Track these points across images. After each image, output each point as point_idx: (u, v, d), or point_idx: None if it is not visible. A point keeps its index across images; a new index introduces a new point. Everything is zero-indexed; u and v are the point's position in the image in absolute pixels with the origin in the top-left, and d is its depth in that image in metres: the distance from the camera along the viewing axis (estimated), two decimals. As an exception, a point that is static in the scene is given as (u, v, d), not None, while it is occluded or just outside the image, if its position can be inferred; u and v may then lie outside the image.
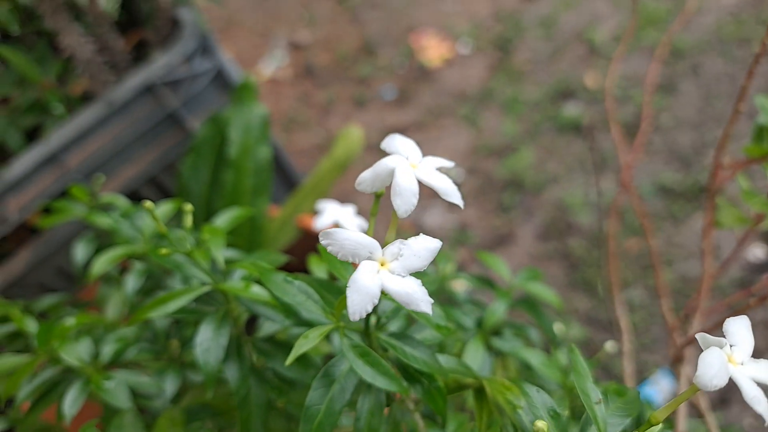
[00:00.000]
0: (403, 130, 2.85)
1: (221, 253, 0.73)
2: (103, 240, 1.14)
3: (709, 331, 0.91)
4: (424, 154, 0.58)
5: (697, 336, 0.48)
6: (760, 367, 0.48)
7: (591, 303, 2.26)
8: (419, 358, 0.59)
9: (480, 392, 0.66)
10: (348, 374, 0.58)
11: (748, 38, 2.85)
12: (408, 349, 0.60)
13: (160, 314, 0.66)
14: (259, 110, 1.44)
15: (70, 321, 0.90)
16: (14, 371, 0.85)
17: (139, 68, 1.45)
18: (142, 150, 1.51)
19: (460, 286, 2.48)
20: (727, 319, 0.49)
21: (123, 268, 1.16)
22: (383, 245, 0.55)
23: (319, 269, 0.90)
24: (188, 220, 0.71)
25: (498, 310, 0.91)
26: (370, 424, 0.60)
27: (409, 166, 0.54)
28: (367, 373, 0.55)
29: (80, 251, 1.10)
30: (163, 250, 0.66)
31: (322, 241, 0.49)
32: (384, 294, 0.51)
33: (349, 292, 0.49)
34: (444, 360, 0.64)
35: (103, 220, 1.05)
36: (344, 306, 0.58)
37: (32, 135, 1.49)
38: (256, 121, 1.42)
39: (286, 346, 0.73)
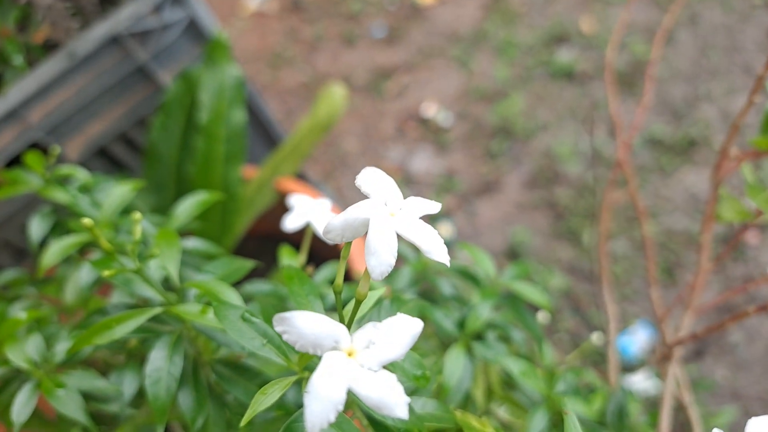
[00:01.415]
0: (393, 71, 2.75)
1: (175, 267, 0.65)
2: (62, 214, 1.05)
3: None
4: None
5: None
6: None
7: (575, 252, 2.23)
8: (392, 412, 0.53)
9: (459, 436, 0.60)
10: (312, 431, 0.51)
11: (749, -11, 2.75)
12: (380, 403, 0.53)
13: (105, 341, 0.59)
14: (233, 71, 1.32)
15: (21, 315, 0.83)
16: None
17: (103, 18, 1.33)
18: (110, 104, 1.40)
19: (445, 230, 2.44)
20: (749, 422, 0.42)
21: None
22: (356, 298, 0.48)
23: (290, 263, 0.82)
24: (137, 231, 0.63)
25: (482, 313, 0.85)
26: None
27: (388, 217, 0.44)
28: (332, 436, 0.49)
29: (35, 228, 1.00)
30: (107, 272, 0.58)
31: (277, 328, 0.40)
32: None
33: (307, 400, 0.39)
34: (420, 405, 0.58)
35: (59, 195, 0.96)
36: (308, 359, 0.52)
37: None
38: (229, 82, 1.31)
39: (248, 371, 0.67)
